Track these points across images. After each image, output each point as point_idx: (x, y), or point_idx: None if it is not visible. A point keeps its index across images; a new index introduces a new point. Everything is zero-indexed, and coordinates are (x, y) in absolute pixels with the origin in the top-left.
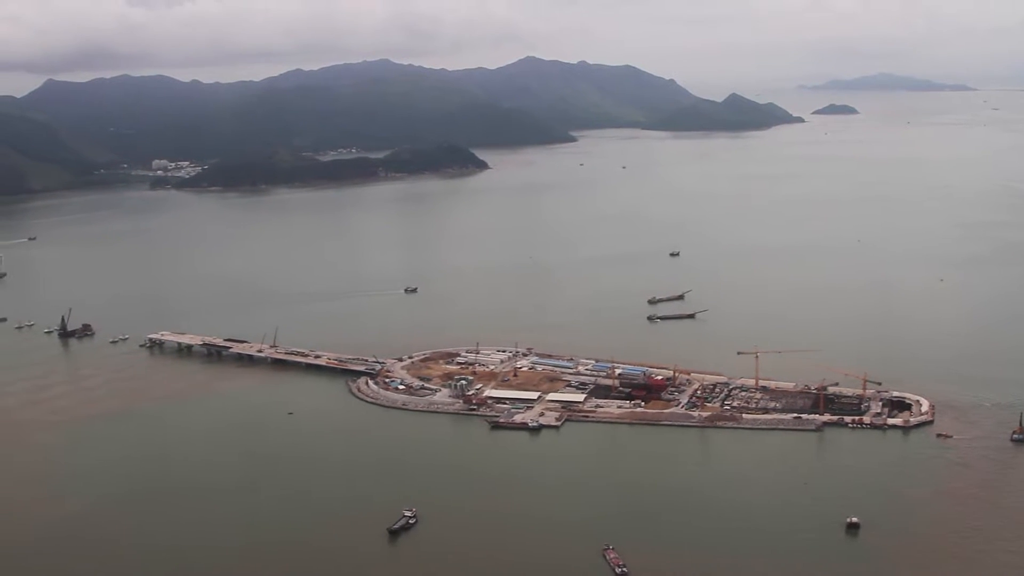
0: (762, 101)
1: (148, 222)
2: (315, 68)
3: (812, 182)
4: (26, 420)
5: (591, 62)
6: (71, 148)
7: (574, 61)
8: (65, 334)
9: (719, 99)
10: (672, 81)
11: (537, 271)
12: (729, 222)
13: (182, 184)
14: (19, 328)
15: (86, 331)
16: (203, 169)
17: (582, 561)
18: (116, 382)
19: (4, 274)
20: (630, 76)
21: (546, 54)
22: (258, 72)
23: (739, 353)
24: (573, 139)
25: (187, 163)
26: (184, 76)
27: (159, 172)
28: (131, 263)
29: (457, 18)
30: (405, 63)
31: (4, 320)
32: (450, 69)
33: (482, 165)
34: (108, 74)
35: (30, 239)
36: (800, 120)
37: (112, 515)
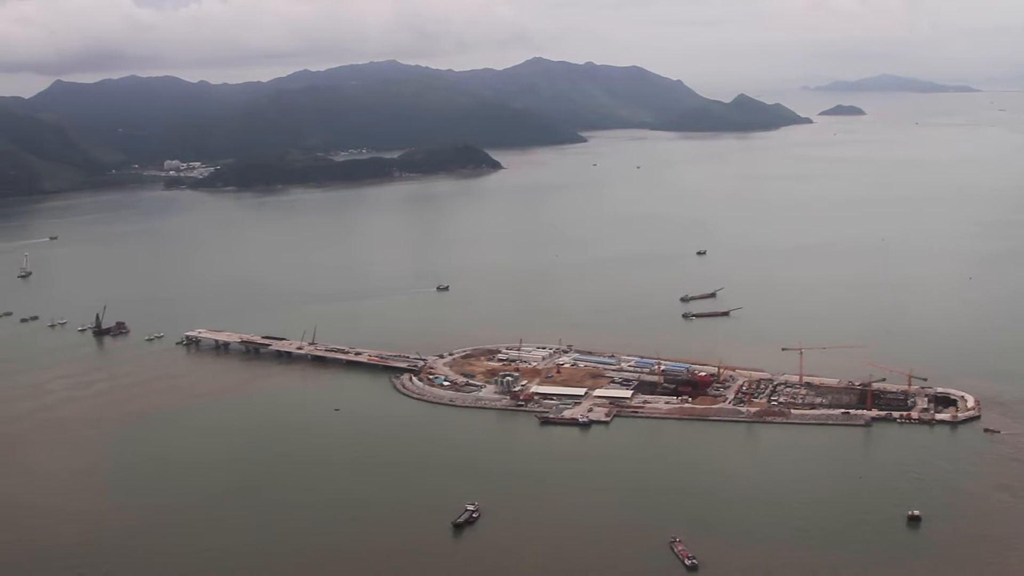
0: (769, 102)
1: (167, 222)
2: (322, 69)
3: (828, 182)
4: (70, 417)
5: (597, 63)
6: (81, 149)
7: (580, 62)
8: (100, 332)
9: (724, 100)
10: (679, 82)
11: (565, 270)
12: (751, 222)
13: (197, 184)
14: (52, 326)
15: (120, 329)
16: (216, 170)
17: (650, 553)
18: (157, 380)
19: (30, 273)
20: (637, 77)
21: (552, 55)
22: (265, 73)
23: (784, 349)
24: (583, 140)
25: (198, 164)
26: (192, 77)
27: (171, 173)
28: (157, 262)
29: (464, 19)
30: (412, 64)
31: (36, 318)
32: (457, 70)
33: (496, 165)
34: (116, 75)
35: (51, 238)
36: (808, 121)
37: (167, 513)
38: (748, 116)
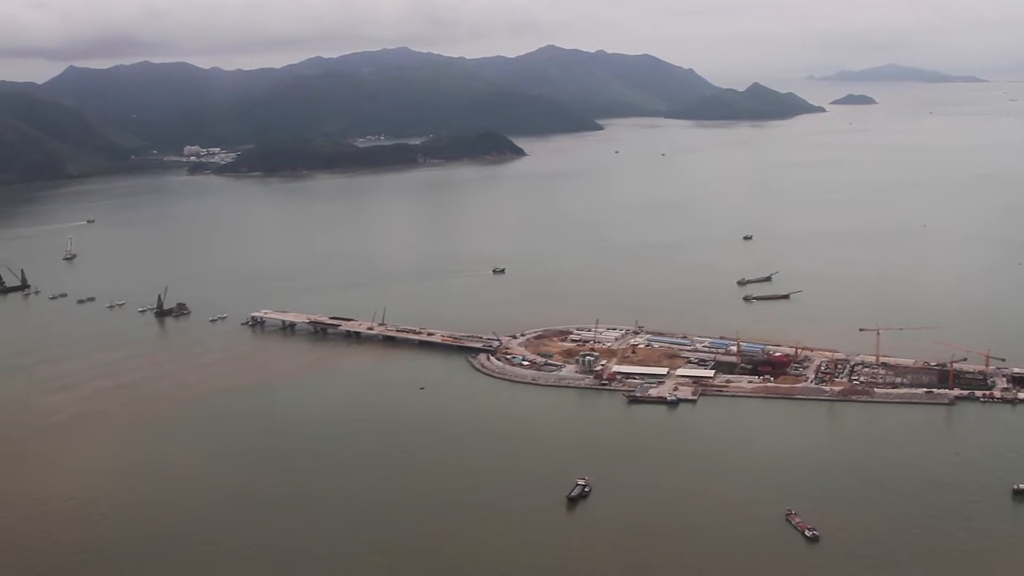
0: (780, 91)
1: (201, 205)
2: (334, 56)
3: (855, 169)
4: (151, 396)
5: (608, 51)
6: (100, 134)
7: (592, 50)
8: (161, 313)
9: (734, 88)
10: (691, 70)
11: (613, 254)
12: (789, 208)
13: (221, 169)
14: (110, 307)
15: (182, 310)
16: (238, 155)
17: (767, 525)
18: (231, 359)
19: (75, 255)
20: (649, 65)
21: (562, 43)
22: (278, 60)
23: (861, 330)
24: (600, 127)
25: (218, 149)
26: (204, 63)
27: (192, 158)
28: (203, 245)
29: (476, 7)
30: (424, 51)
31: (92, 299)
32: (468, 57)
33: (519, 152)
34: (128, 61)
35: (88, 221)
36: (821, 110)
37: (277, 487)
38: (762, 105)
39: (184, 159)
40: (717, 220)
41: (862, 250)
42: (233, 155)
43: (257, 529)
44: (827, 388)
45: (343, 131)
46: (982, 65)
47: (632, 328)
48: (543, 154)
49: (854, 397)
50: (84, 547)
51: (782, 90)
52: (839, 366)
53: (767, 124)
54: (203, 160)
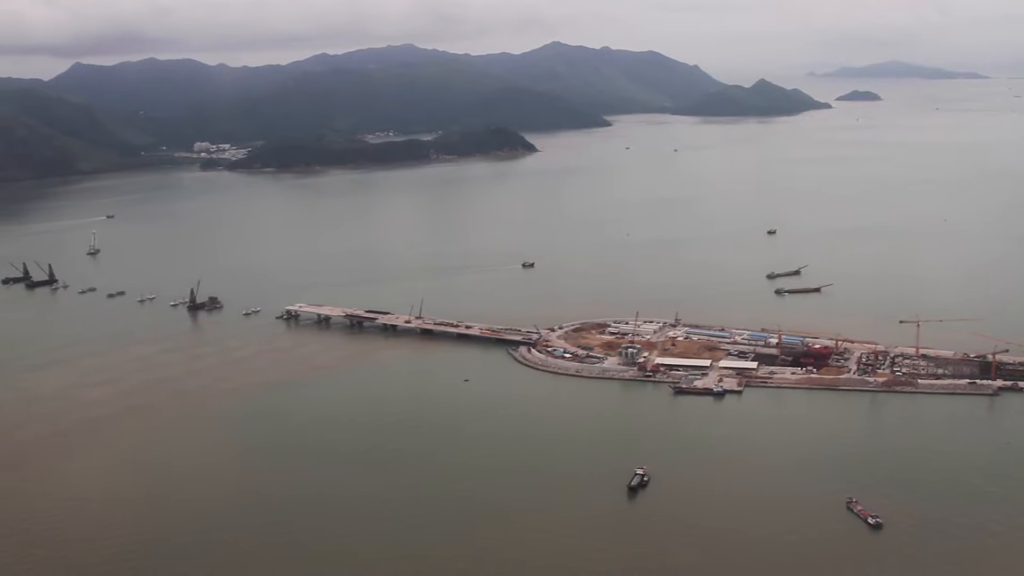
0: (785, 87)
1: (218, 201)
2: (340, 53)
3: (868, 165)
4: (194, 389)
5: (614, 48)
6: (109, 130)
7: (597, 46)
8: (194, 307)
9: (740, 85)
10: (696, 67)
11: (639, 248)
12: (808, 203)
13: (234, 165)
14: (141, 301)
15: (214, 304)
16: (250, 151)
17: (827, 515)
18: (270, 352)
19: (98, 250)
20: (654, 62)
21: (568, 39)
22: (283, 57)
23: (901, 322)
24: (608, 123)
25: (228, 146)
26: (209, 60)
27: (203, 154)
28: (222, 240)
29: (482, 3)
30: (429, 48)
31: (123, 294)
32: (474, 54)
33: (530, 148)
34: (133, 58)
35: (108, 217)
36: (827, 106)
37: (331, 479)
38: (768, 101)
39: (195, 155)
40: (737, 216)
41: (886, 245)
42: (244, 151)
43: (310, 525)
44: (871, 379)
45: (352, 127)
46: (983, 62)
47: (669, 321)
48: (554, 150)
49: (898, 388)
50: (137, 545)
51: (784, 87)
52: (879, 358)
53: (774, 120)
54: (214, 156)
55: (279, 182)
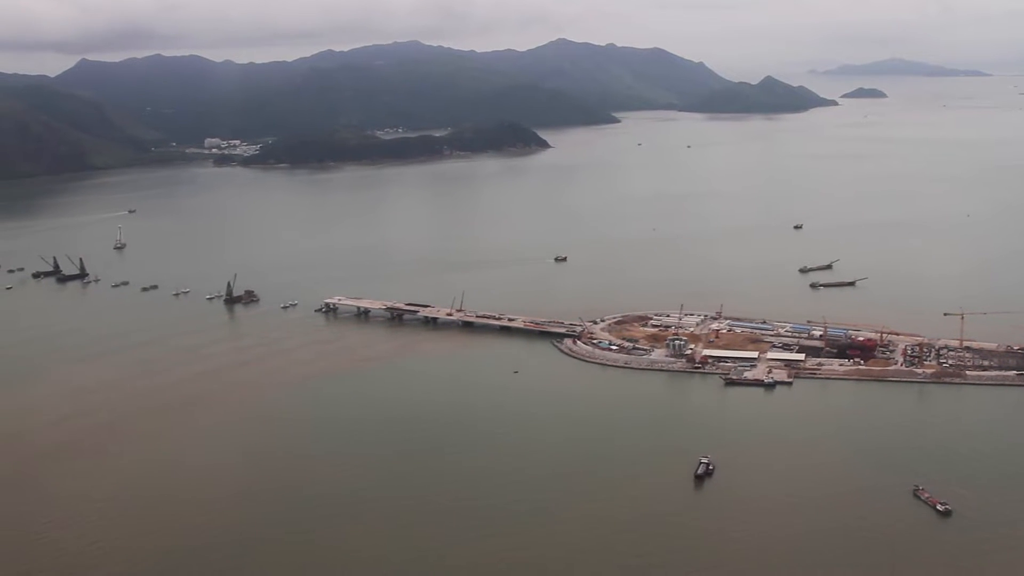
0: (794, 84)
1: (237, 196)
2: (345, 49)
3: (882, 162)
4: (245, 381)
5: (619, 45)
6: (118, 126)
7: (602, 43)
8: (231, 300)
9: (744, 81)
10: (702, 64)
11: (668, 243)
12: (829, 198)
13: (247, 161)
14: (176, 295)
15: (251, 297)
16: (260, 147)
17: (895, 503)
18: (314, 344)
19: (124, 245)
20: (660, 59)
21: (572, 36)
22: (288, 53)
23: (945, 314)
24: (616, 120)
25: (238, 142)
26: (215, 56)
27: (214, 150)
28: (248, 234)
29: (487, 0)
30: (434, 45)
31: (156, 287)
32: (479, 51)
33: (543, 144)
34: (139, 54)
35: (130, 212)
36: (833, 103)
37: (402, 469)
38: (774, 98)
39: (206, 151)
40: (760, 211)
41: (913, 239)
42: (255, 147)
43: (391, 515)
44: (919, 371)
45: (360, 124)
46: (986, 59)
47: (710, 314)
48: (566, 146)
49: (947, 380)
50: (220, 536)
51: (790, 84)
52: (925, 349)
53: (781, 117)
54: (225, 152)
55: (294, 178)
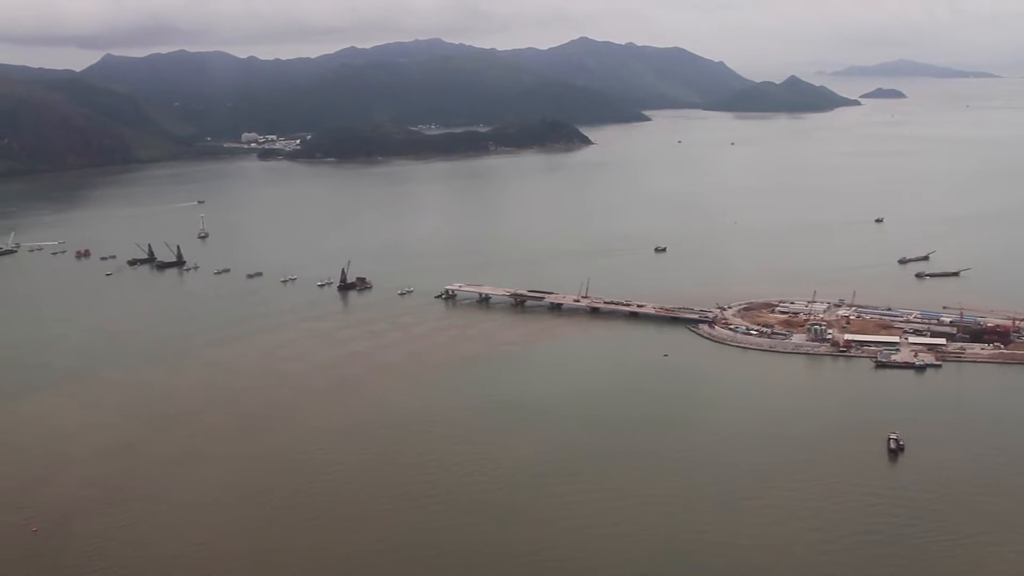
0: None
1: (300, 189)
2: (368, 47)
3: (931, 159)
4: (397, 363)
5: (638, 44)
6: (153, 120)
7: (623, 42)
8: (345, 286)
9: (765, 80)
10: (721, 63)
11: (754, 235)
12: (898, 192)
13: (293, 155)
14: (284, 282)
15: (364, 284)
16: (299, 142)
17: None
18: (449, 329)
19: (208, 234)
20: (680, 58)
21: (592, 34)
22: (312, 50)
23: None
24: (647, 118)
25: (274, 136)
26: (238, 52)
27: (252, 145)
28: (331, 225)
29: None
30: (456, 42)
31: (260, 274)
32: (500, 49)
33: (586, 140)
34: (164, 49)
35: (199, 202)
36: (856, 103)
37: (601, 445)
38: (799, 97)
39: (245, 145)
40: (833, 205)
41: (1001, 230)
42: (295, 142)
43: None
44: None
45: (394, 120)
46: (994, 60)
47: (834, 301)
48: (606, 143)
49: None
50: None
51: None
52: None
53: (807, 116)
54: (264, 147)
55: (347, 170)
